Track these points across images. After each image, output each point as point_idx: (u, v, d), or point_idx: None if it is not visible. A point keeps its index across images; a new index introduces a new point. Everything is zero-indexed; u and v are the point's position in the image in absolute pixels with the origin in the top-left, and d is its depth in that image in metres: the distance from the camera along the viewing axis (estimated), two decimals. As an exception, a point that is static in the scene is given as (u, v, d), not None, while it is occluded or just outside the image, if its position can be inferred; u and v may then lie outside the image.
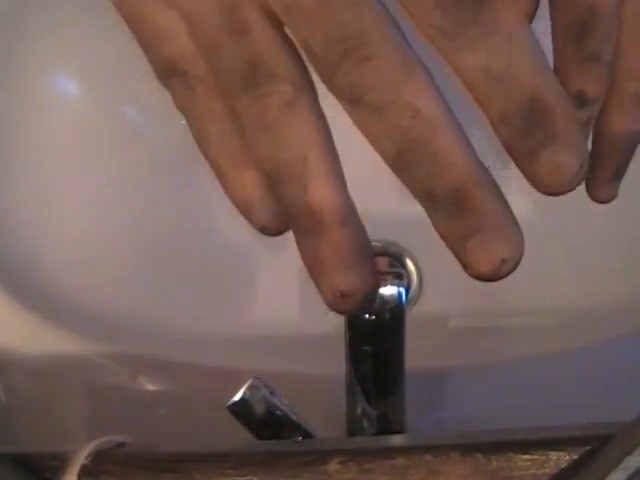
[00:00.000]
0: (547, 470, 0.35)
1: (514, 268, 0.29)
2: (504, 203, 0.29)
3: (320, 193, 0.30)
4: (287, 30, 0.29)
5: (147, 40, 0.32)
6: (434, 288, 0.55)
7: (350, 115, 0.29)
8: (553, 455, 0.35)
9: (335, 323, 0.52)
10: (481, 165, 0.29)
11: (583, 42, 0.32)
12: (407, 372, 0.44)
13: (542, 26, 0.33)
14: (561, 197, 0.55)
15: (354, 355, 0.44)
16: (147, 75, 0.53)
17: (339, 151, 0.54)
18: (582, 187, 0.54)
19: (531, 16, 0.29)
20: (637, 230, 0.54)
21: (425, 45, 0.29)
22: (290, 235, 0.55)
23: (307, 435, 0.44)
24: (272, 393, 0.44)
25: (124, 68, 0.53)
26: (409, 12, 0.28)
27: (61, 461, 0.35)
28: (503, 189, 0.32)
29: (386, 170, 0.55)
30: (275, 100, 0.29)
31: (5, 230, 0.52)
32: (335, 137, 0.53)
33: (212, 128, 0.32)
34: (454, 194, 0.28)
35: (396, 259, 0.55)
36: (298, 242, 0.31)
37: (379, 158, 0.54)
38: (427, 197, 0.29)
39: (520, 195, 0.54)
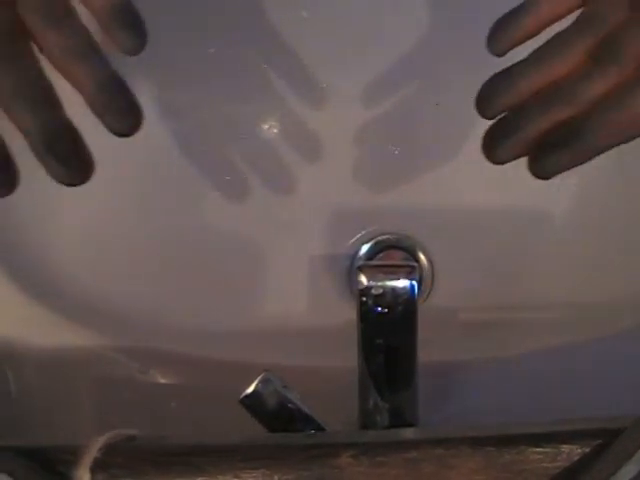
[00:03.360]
0: (559, 463, 0.35)
1: None
2: None
3: None
4: None
5: None
6: (446, 282, 0.55)
7: None
8: (565, 448, 0.35)
9: (347, 316, 0.52)
10: None
11: None
12: (419, 365, 0.44)
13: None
14: (566, 197, 0.55)
15: (366, 348, 0.44)
16: (151, 73, 0.54)
17: (353, 149, 0.54)
18: (586, 191, 0.54)
19: None
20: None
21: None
22: (301, 230, 0.55)
23: (319, 428, 0.44)
24: (284, 386, 0.44)
25: (128, 65, 0.53)
26: None
27: (73, 454, 0.35)
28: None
29: (398, 165, 0.55)
30: None
31: (14, 227, 0.52)
32: (348, 138, 0.54)
33: None
34: None
35: (409, 252, 0.55)
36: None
37: (390, 155, 0.54)
38: None
39: (525, 194, 0.55)
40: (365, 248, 0.55)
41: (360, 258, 0.55)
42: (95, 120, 0.37)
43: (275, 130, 0.54)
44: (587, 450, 0.35)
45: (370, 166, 0.55)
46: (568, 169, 0.39)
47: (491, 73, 0.53)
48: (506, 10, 0.52)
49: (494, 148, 0.40)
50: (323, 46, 0.54)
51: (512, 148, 0.40)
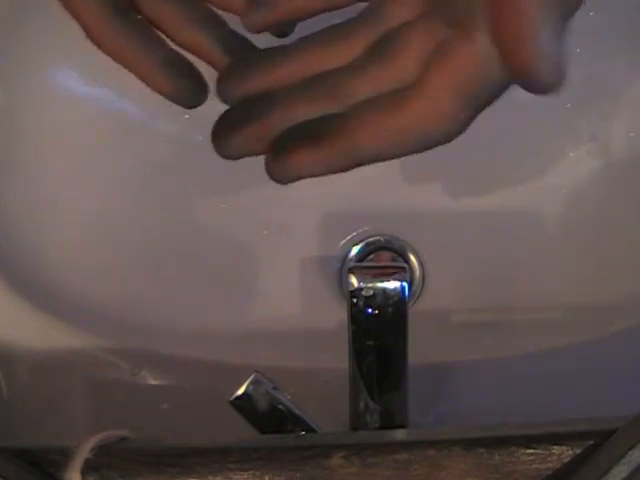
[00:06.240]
0: (550, 465, 0.35)
1: None
2: None
3: None
4: None
5: None
6: (437, 283, 0.55)
7: None
8: (556, 450, 0.35)
9: (338, 318, 0.52)
10: None
11: None
12: (410, 367, 0.44)
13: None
14: (565, 196, 0.55)
15: (357, 350, 0.44)
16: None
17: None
18: (587, 190, 0.54)
19: None
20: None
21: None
22: (292, 231, 0.55)
23: (310, 430, 0.44)
24: (275, 388, 0.44)
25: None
26: None
27: (64, 456, 0.35)
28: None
29: (388, 167, 0.55)
30: None
31: (8, 228, 0.52)
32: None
33: None
34: None
35: (399, 254, 0.55)
36: None
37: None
38: None
39: (516, 195, 0.55)
40: (355, 250, 0.55)
41: (351, 260, 0.55)
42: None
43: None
44: (578, 451, 0.35)
45: (360, 167, 0.55)
46: (316, 174, 0.36)
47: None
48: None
49: (224, 140, 0.37)
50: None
51: (246, 139, 0.36)
